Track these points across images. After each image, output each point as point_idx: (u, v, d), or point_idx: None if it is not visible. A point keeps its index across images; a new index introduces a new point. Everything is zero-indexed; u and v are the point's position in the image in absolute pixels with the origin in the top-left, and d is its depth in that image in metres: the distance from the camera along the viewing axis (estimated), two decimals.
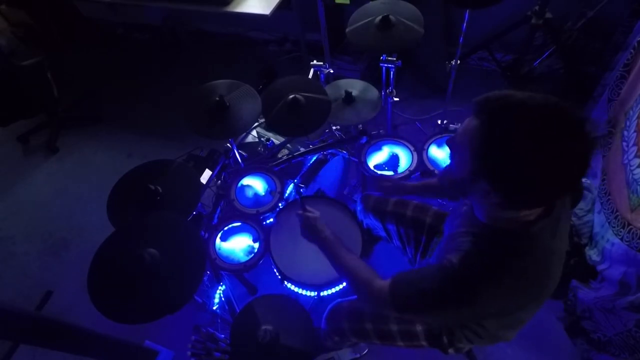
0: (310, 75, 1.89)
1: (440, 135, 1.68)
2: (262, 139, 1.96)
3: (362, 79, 1.89)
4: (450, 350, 1.17)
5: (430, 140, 1.67)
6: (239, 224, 1.54)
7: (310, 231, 1.16)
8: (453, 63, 2.07)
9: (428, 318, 0.79)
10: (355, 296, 1.31)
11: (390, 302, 0.85)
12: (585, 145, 0.60)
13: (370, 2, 1.72)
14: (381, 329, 1.20)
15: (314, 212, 1.20)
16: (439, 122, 1.88)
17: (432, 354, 1.22)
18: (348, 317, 1.26)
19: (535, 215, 0.75)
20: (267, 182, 1.65)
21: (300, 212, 1.20)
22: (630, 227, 1.36)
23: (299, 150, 1.88)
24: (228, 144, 1.75)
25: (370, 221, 1.48)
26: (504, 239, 0.77)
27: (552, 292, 0.82)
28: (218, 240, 1.50)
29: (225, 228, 1.53)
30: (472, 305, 0.77)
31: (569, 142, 0.59)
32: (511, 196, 0.67)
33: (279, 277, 1.42)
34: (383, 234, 1.47)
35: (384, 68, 1.77)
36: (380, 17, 1.56)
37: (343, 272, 1.04)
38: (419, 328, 1.16)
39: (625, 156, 1.46)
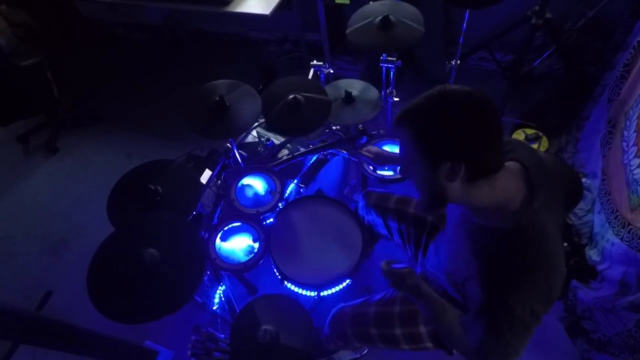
0: (310, 75, 1.89)
1: None
2: (262, 139, 1.96)
3: (362, 79, 1.89)
4: (455, 351, 1.17)
5: None
6: (239, 224, 1.54)
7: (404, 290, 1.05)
8: (453, 63, 2.07)
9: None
10: (358, 301, 1.31)
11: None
12: (470, 109, 0.74)
13: (370, 2, 1.72)
14: (385, 332, 1.19)
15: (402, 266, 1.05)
16: None
17: (434, 355, 1.22)
18: (352, 321, 1.26)
19: (519, 203, 0.80)
20: (267, 182, 1.65)
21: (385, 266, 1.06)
22: (630, 227, 1.36)
23: (299, 150, 1.88)
24: (228, 144, 1.75)
25: (372, 217, 1.47)
26: (499, 240, 0.80)
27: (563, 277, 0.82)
28: (218, 240, 1.50)
29: (225, 228, 1.53)
30: (526, 311, 0.77)
31: (458, 108, 0.75)
32: (460, 155, 0.75)
33: (279, 277, 1.42)
34: (384, 231, 1.46)
35: (384, 68, 1.77)
36: (380, 17, 1.56)
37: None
38: (422, 330, 1.16)
39: (625, 156, 1.46)
